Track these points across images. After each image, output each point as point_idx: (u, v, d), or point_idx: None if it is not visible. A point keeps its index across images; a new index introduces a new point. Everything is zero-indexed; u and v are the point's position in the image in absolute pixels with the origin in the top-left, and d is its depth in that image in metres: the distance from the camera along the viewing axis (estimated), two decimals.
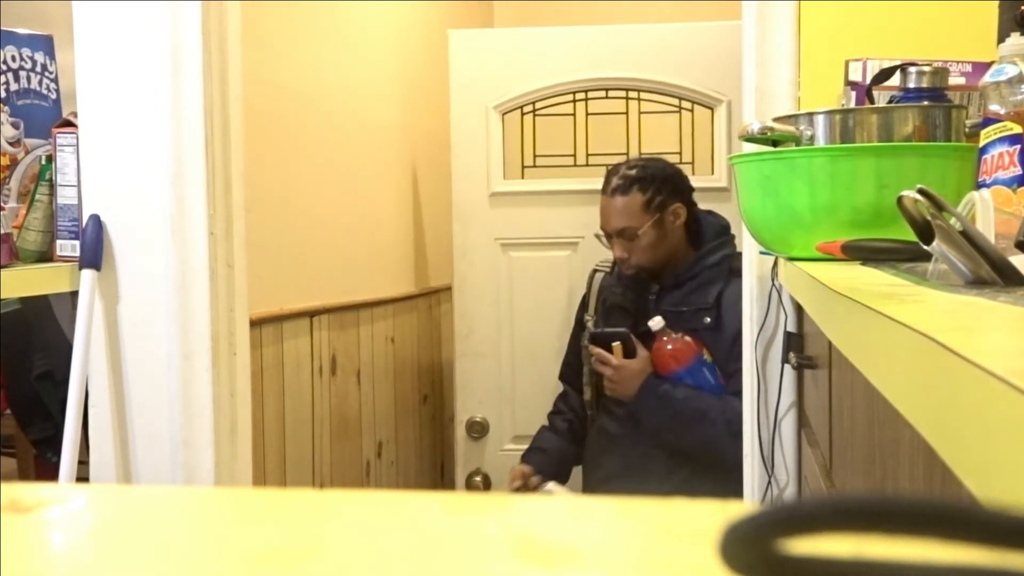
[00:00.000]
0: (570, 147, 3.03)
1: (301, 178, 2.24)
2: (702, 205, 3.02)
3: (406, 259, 2.90)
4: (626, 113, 3.04)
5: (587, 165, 3.02)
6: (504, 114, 2.98)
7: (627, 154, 3.16)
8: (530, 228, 2.75)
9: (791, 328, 1.72)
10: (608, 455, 2.16)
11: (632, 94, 3.04)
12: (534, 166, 2.96)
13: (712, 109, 3.03)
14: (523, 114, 3.00)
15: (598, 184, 3.03)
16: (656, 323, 2.03)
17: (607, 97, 3.03)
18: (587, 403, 2.33)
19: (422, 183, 3.10)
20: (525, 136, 2.99)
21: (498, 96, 2.93)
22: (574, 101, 3.00)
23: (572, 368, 2.38)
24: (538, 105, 3.00)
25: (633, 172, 2.18)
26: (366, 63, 2.61)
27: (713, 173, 3.03)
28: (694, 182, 3.04)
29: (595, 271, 2.41)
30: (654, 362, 2.07)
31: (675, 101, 3.05)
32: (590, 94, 3.02)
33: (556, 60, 2.95)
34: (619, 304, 2.26)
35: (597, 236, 2.27)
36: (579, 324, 2.39)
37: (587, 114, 3.01)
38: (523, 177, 2.96)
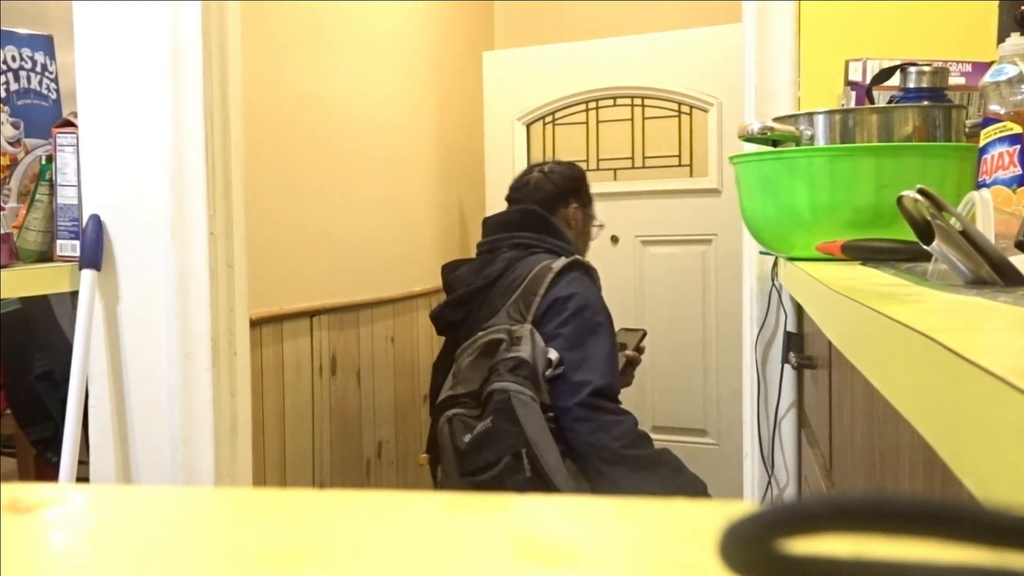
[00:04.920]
0: (583, 153, 3.29)
1: (302, 178, 2.24)
2: (698, 205, 3.11)
3: (409, 258, 2.90)
4: (631, 120, 3.26)
5: (598, 169, 3.34)
6: (528, 125, 3.34)
7: (632, 158, 3.25)
8: None
9: (791, 328, 1.72)
10: None
11: (637, 101, 3.25)
12: None
13: (707, 112, 3.09)
14: (544, 124, 3.33)
15: (610, 187, 3.23)
16: None
17: (615, 105, 3.29)
18: None
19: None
20: (546, 145, 3.34)
21: (522, 109, 3.31)
22: (587, 110, 3.29)
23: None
24: (557, 115, 3.32)
25: None
26: (371, 69, 2.61)
27: (707, 175, 3.11)
28: (689, 184, 3.14)
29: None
30: None
31: (674, 106, 3.15)
32: (600, 103, 3.28)
33: (571, 73, 3.24)
34: None
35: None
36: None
37: (598, 122, 3.29)
38: None
